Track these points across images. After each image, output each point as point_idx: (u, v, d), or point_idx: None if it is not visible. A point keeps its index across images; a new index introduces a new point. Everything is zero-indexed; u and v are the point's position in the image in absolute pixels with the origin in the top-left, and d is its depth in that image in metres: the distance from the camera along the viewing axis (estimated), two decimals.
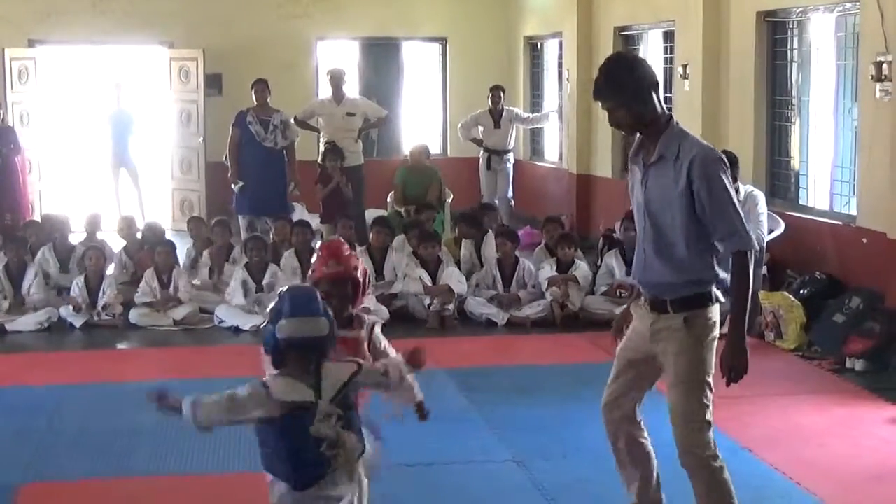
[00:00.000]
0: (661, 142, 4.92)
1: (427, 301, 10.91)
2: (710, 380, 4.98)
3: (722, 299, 5.00)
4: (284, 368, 4.21)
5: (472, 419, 7.57)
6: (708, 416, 4.98)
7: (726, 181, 4.85)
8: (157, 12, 17.12)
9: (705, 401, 4.97)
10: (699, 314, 4.91)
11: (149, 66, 19.20)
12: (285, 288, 4.41)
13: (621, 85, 4.93)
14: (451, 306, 10.86)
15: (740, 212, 4.88)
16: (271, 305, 4.30)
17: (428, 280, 11.07)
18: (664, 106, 5.04)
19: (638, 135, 5.09)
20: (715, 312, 4.97)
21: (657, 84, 5.00)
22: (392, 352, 4.80)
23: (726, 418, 7.55)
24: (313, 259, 4.95)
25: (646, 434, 5.35)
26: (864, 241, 9.84)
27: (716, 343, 4.99)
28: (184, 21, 17.14)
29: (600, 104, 5.04)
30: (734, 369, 4.90)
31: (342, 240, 5.45)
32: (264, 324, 4.31)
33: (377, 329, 5.00)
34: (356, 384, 4.27)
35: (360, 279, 4.87)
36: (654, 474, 5.40)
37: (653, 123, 4.96)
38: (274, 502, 4.28)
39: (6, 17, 16.73)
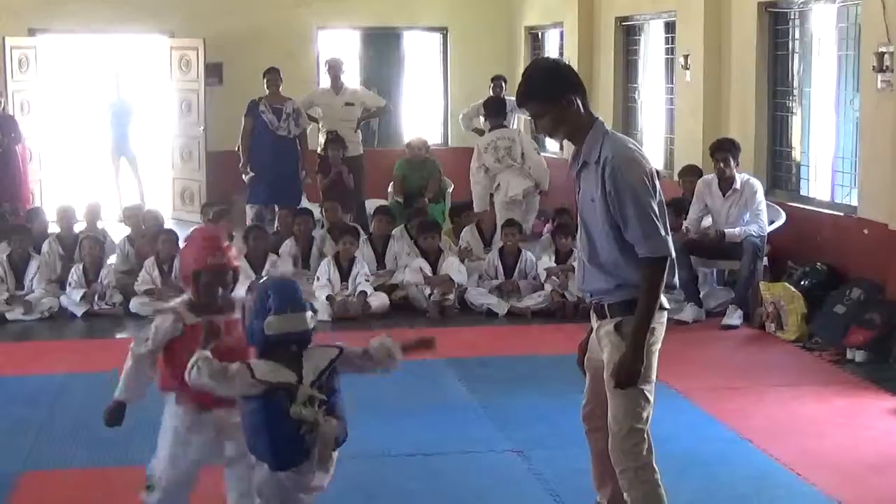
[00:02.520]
0: (584, 146, 4.85)
1: (427, 291, 10.91)
2: (647, 387, 4.84)
3: (667, 305, 4.92)
4: (269, 356, 4.28)
5: (472, 409, 7.57)
6: (639, 425, 4.83)
7: (638, 184, 4.72)
8: (157, 1, 17.09)
9: (638, 409, 4.82)
10: (632, 319, 4.77)
11: (149, 56, 19.18)
12: (265, 281, 4.48)
13: (543, 91, 4.85)
14: (451, 296, 10.85)
15: (654, 217, 4.72)
16: (250, 298, 4.35)
17: (428, 270, 11.06)
18: (589, 110, 4.93)
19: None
20: (654, 318, 4.82)
21: (581, 88, 4.90)
22: None
23: (727, 409, 7.59)
24: (188, 246, 4.94)
25: None
26: (866, 231, 9.83)
27: (656, 349, 4.89)
28: (184, 10, 17.11)
29: (525, 111, 4.91)
30: (622, 375, 4.74)
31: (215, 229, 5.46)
32: (248, 320, 4.35)
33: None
34: (336, 369, 4.34)
35: (237, 266, 4.92)
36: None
37: (578, 129, 4.87)
38: (256, 485, 4.34)
39: (7, 5, 16.69)
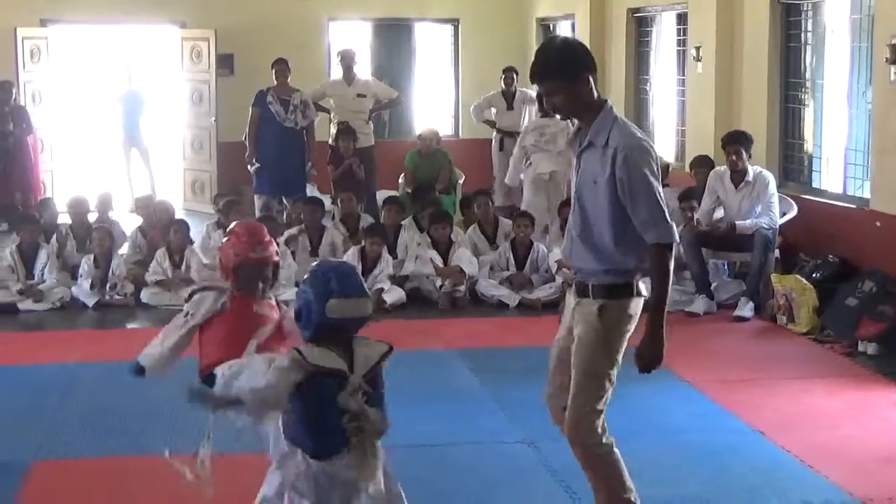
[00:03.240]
0: (592, 128, 4.90)
1: (438, 282, 10.91)
2: (613, 371, 4.93)
3: (646, 293, 4.94)
4: (319, 342, 4.21)
5: (483, 400, 7.57)
6: (599, 406, 4.91)
7: (649, 171, 4.78)
8: None
9: (601, 391, 4.90)
10: (615, 304, 4.86)
11: (160, 46, 19.19)
12: (321, 264, 4.40)
13: (560, 68, 4.90)
14: (462, 288, 10.85)
15: (662, 203, 4.78)
16: (305, 281, 4.27)
17: (439, 261, 11.06)
18: (599, 91, 5.01)
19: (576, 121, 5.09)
20: (634, 305, 4.91)
21: (594, 68, 4.97)
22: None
23: (739, 401, 7.59)
24: (230, 239, 4.91)
25: None
26: (878, 224, 9.81)
27: (628, 335, 4.94)
28: (196, 1, 17.12)
29: (537, 87, 4.96)
30: (646, 359, 4.86)
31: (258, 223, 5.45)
32: (300, 300, 4.25)
33: (290, 312, 4.92)
34: (383, 365, 4.29)
35: (278, 261, 4.93)
36: None
37: (587, 109, 4.93)
38: (290, 479, 4.29)
39: None
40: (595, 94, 4.95)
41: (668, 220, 4.79)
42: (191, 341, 4.93)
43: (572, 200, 5.08)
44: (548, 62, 4.93)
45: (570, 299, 5.08)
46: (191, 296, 5.11)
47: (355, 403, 4.17)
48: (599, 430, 4.92)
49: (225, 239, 4.95)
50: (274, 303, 4.98)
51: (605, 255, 4.87)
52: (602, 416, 4.93)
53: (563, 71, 4.88)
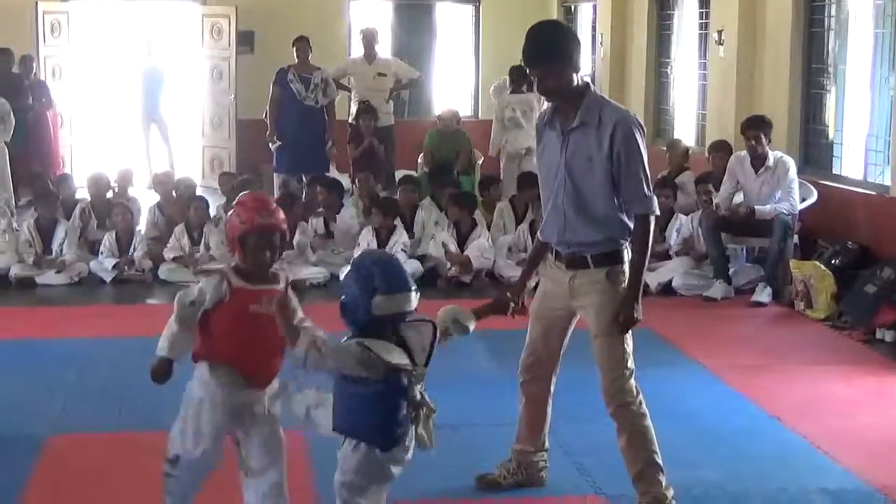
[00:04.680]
0: (582, 109, 5.13)
1: (448, 265, 10.93)
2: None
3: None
4: (368, 334, 4.20)
5: (501, 382, 7.53)
6: (631, 364, 5.23)
7: (642, 147, 5.14)
8: None
9: (628, 349, 5.22)
10: (618, 269, 5.19)
11: (181, 23, 19.17)
12: (364, 258, 4.42)
13: (557, 53, 5.11)
14: (467, 278, 10.87)
15: (648, 177, 5.17)
16: (349, 275, 4.26)
17: (453, 245, 11.05)
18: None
19: (549, 102, 5.30)
20: (625, 269, 5.23)
21: (581, 50, 5.22)
22: (300, 310, 4.75)
23: (755, 387, 7.57)
24: (235, 209, 4.79)
25: (551, 398, 5.69)
26: None
27: None
28: None
29: (531, 71, 5.24)
30: (626, 319, 5.15)
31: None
32: (345, 296, 4.24)
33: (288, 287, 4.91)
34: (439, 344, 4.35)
35: (285, 230, 4.83)
36: (544, 436, 5.76)
37: (575, 91, 5.15)
38: (347, 464, 4.30)
39: None
40: (580, 76, 5.19)
41: (651, 191, 5.19)
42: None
43: (553, 180, 5.28)
44: (546, 47, 5.14)
45: (559, 275, 5.31)
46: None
47: (418, 393, 4.25)
48: (635, 390, 5.23)
49: (231, 211, 4.84)
50: (282, 286, 4.80)
51: (607, 225, 5.19)
52: (634, 375, 5.24)
53: (560, 56, 5.11)
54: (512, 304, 5.50)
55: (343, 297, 4.25)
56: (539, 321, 5.53)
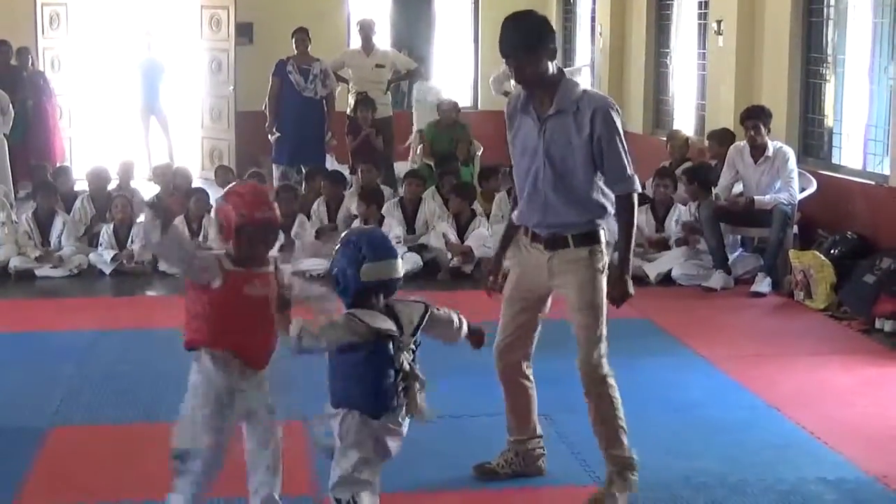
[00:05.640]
0: (558, 95, 5.27)
1: (449, 256, 10.94)
2: (605, 303, 5.43)
3: (608, 239, 5.47)
4: (361, 306, 4.37)
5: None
6: (604, 335, 5.40)
7: (621, 130, 5.32)
8: None
9: (602, 323, 5.39)
10: (597, 248, 5.37)
11: (180, 14, 19.16)
12: (351, 233, 4.56)
13: (536, 42, 5.23)
14: (468, 267, 10.87)
15: (629, 157, 5.34)
16: (338, 250, 4.43)
17: (453, 235, 11.06)
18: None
19: (522, 89, 5.41)
20: (604, 246, 5.43)
21: (555, 40, 5.38)
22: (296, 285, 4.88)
23: (754, 377, 7.58)
24: (231, 199, 4.80)
25: (531, 380, 5.81)
26: None
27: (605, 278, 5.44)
28: None
29: (508, 60, 5.30)
30: (619, 294, 5.40)
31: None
32: (335, 269, 4.42)
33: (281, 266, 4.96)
34: (425, 326, 4.49)
35: (280, 224, 4.94)
36: (534, 422, 5.87)
37: (550, 79, 5.29)
38: (345, 435, 4.41)
39: None
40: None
41: (633, 171, 5.37)
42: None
43: (531, 164, 5.39)
44: (525, 36, 5.23)
45: (537, 256, 5.43)
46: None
47: (406, 363, 4.39)
48: (606, 359, 5.41)
49: (219, 202, 4.84)
50: (272, 269, 4.85)
51: (588, 206, 5.35)
52: (605, 346, 5.42)
53: (539, 44, 5.22)
54: (490, 281, 5.73)
55: (333, 269, 4.43)
56: (512, 305, 5.65)
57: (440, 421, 4.50)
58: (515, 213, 5.59)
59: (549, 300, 5.63)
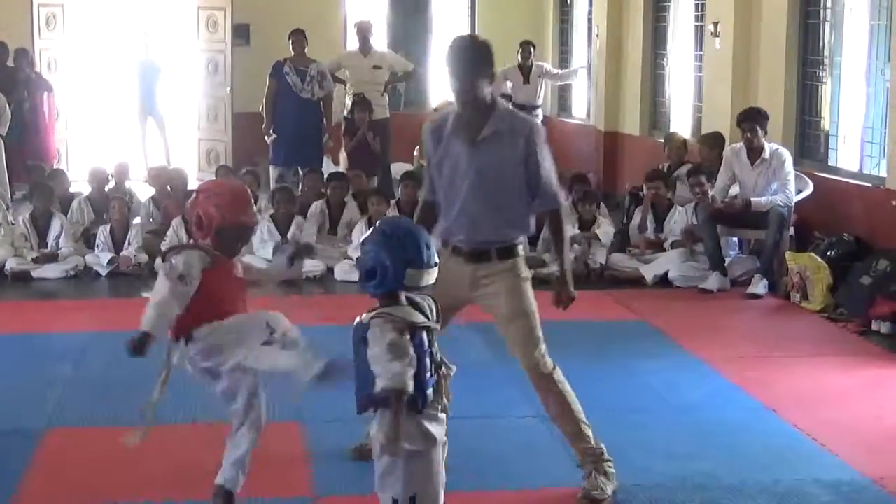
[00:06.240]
0: (493, 119, 5.49)
1: None
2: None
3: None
4: (388, 301, 4.23)
5: (495, 374, 7.55)
6: (542, 338, 5.63)
7: (548, 149, 5.61)
8: None
9: (539, 326, 5.63)
10: (519, 260, 5.63)
11: (177, 16, 19.16)
12: (391, 226, 4.35)
13: (485, 65, 5.47)
14: None
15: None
16: (375, 242, 4.22)
17: None
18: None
19: (448, 112, 5.63)
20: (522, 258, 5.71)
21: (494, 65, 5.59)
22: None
23: (751, 379, 7.58)
24: (211, 198, 4.85)
25: None
26: (894, 203, 9.76)
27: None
28: None
29: (455, 80, 5.46)
30: (565, 298, 5.77)
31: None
32: (372, 262, 4.20)
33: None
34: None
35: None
36: None
37: (486, 102, 5.51)
38: (387, 431, 4.18)
39: None
40: None
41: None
42: (188, 299, 4.85)
43: (468, 185, 5.53)
44: (476, 59, 5.46)
45: (459, 267, 5.55)
46: (165, 256, 4.96)
47: (438, 352, 4.34)
48: (549, 359, 5.63)
49: (200, 196, 4.84)
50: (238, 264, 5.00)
51: (517, 223, 5.63)
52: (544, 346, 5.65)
53: (488, 67, 5.47)
54: None
55: (370, 262, 4.20)
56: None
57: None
58: (437, 228, 5.72)
59: (460, 312, 5.81)
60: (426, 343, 4.24)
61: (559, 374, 5.61)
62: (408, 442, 4.20)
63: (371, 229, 4.37)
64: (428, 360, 4.25)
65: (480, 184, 5.53)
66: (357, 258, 4.35)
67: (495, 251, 5.59)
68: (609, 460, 5.59)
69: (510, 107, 5.82)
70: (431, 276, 4.26)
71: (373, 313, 4.18)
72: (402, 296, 4.25)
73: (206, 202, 4.79)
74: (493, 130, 5.49)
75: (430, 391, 4.27)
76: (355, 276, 10.38)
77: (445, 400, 4.36)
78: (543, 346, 5.62)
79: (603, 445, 5.61)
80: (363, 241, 4.31)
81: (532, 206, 5.63)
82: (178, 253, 4.85)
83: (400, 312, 4.18)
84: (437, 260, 4.30)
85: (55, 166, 14.68)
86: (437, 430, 4.32)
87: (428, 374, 4.26)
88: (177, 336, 4.91)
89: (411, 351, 4.12)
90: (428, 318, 4.29)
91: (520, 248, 5.67)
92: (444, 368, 4.35)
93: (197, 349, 4.90)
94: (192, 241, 4.95)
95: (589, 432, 5.61)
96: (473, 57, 5.47)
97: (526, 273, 5.67)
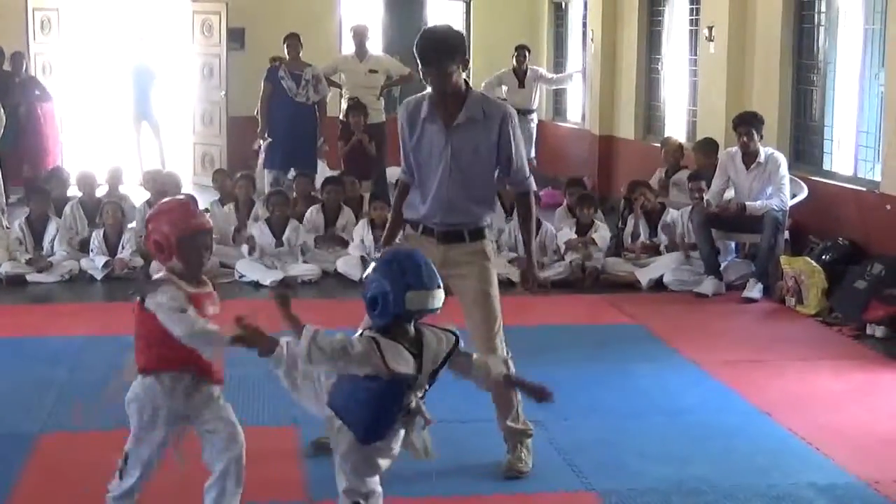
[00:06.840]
0: (467, 105, 5.68)
1: None
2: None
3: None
4: (389, 331, 4.22)
5: None
6: (501, 323, 5.85)
7: (522, 135, 5.97)
8: None
9: (500, 309, 5.86)
10: (487, 242, 5.90)
11: (171, 19, 19.16)
12: (393, 254, 4.44)
13: (459, 53, 5.62)
14: None
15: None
16: (377, 270, 4.26)
17: None
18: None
19: (421, 98, 5.81)
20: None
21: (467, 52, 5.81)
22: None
23: (746, 382, 7.59)
24: (159, 218, 4.80)
25: None
26: (888, 207, 9.79)
27: None
28: None
29: (429, 69, 5.58)
30: (532, 280, 6.05)
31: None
32: (374, 291, 4.22)
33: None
34: (450, 362, 4.37)
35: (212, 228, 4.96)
36: None
37: (461, 90, 5.68)
38: (337, 445, 4.37)
39: None
40: None
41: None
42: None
43: (443, 168, 5.73)
44: (451, 47, 5.60)
45: (429, 247, 5.63)
46: (140, 295, 4.86)
47: (415, 401, 4.27)
48: (504, 343, 5.86)
49: (150, 225, 4.80)
50: (212, 289, 4.88)
51: (487, 206, 5.89)
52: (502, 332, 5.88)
53: (460, 55, 5.61)
54: None
55: (371, 291, 4.23)
56: None
57: (431, 427, 4.47)
58: (410, 210, 5.94)
59: None
60: (401, 390, 4.22)
61: (512, 365, 5.52)
62: (347, 460, 4.37)
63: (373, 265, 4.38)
64: (395, 408, 4.23)
65: (456, 168, 5.73)
66: (363, 294, 4.34)
67: (467, 232, 5.82)
68: (531, 436, 5.96)
69: (480, 91, 5.97)
70: (436, 299, 4.22)
71: (368, 332, 4.26)
72: (411, 326, 4.24)
73: (158, 225, 4.72)
74: (468, 116, 5.68)
75: (387, 433, 4.28)
76: (357, 271, 10.45)
77: (413, 448, 4.35)
78: (502, 332, 5.83)
79: (530, 424, 5.96)
80: (366, 276, 4.35)
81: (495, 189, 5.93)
82: (155, 291, 4.71)
83: (388, 352, 4.15)
84: (440, 282, 4.27)
85: (53, 166, 14.63)
86: (383, 462, 4.41)
87: (389, 418, 4.25)
88: (144, 371, 4.84)
89: (352, 362, 4.16)
90: (422, 364, 4.23)
91: (487, 229, 5.91)
92: (419, 417, 4.31)
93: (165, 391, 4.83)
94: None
95: (521, 413, 5.92)
96: (447, 45, 5.61)
97: (493, 255, 5.95)
